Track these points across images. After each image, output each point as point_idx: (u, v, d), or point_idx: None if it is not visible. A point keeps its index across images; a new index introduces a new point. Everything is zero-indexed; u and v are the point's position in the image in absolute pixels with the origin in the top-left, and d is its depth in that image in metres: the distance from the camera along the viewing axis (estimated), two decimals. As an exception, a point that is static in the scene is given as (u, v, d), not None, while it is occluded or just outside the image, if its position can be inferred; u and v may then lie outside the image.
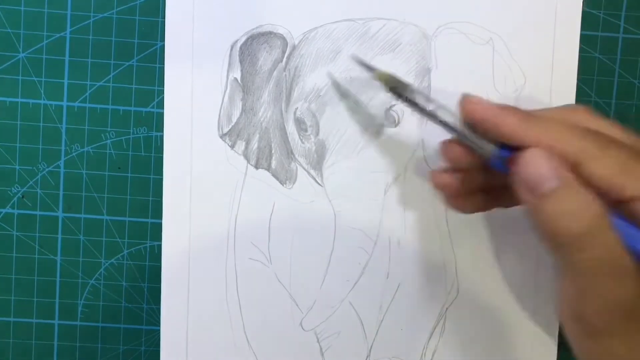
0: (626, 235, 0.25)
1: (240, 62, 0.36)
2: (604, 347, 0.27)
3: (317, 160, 0.36)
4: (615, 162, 0.26)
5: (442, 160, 0.31)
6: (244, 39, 0.36)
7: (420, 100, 0.30)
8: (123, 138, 0.37)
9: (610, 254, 0.25)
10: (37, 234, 0.37)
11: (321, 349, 0.37)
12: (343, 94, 0.35)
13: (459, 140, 0.30)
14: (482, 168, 0.30)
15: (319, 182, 0.36)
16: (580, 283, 0.26)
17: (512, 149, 0.28)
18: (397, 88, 0.31)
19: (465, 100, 0.29)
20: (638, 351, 0.26)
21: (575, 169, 0.26)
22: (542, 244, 0.27)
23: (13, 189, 0.37)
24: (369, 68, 0.33)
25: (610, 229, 0.25)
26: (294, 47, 0.36)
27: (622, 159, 0.26)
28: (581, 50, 0.36)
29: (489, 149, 0.28)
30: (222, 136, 0.36)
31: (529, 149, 0.27)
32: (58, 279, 0.37)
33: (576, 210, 0.25)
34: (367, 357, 0.37)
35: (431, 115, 0.30)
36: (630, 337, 0.26)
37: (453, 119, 0.29)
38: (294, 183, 0.36)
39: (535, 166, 0.26)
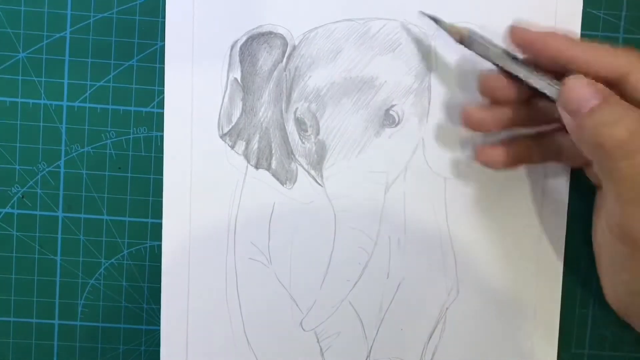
0: None
1: (241, 62, 0.36)
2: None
3: (318, 161, 0.36)
4: None
5: (480, 91, 0.33)
6: (244, 39, 0.36)
7: (485, 46, 0.32)
8: (123, 138, 0.37)
9: None
10: (37, 234, 0.37)
11: (321, 349, 0.37)
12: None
13: (504, 74, 0.32)
14: (523, 104, 0.32)
15: (319, 182, 0.36)
16: (627, 194, 0.27)
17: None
18: (465, 39, 0.32)
19: (513, 29, 0.31)
20: None
21: (623, 80, 0.28)
22: (592, 160, 0.29)
23: (13, 189, 0.37)
24: (436, 21, 0.34)
25: None
26: (294, 47, 0.36)
27: None
28: (581, 50, 0.36)
29: (548, 82, 0.30)
30: (222, 136, 0.36)
31: (570, 75, 0.29)
32: (58, 279, 0.37)
33: (618, 119, 0.27)
34: (367, 357, 0.37)
35: (501, 59, 0.32)
36: None
37: (514, 58, 0.31)
38: (294, 183, 0.36)
39: (577, 89, 0.28)
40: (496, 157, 0.33)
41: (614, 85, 0.29)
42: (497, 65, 0.32)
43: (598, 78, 0.29)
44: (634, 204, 0.27)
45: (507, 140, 0.34)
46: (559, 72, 0.30)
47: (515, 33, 0.31)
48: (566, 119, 0.29)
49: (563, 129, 0.30)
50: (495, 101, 0.33)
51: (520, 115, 0.33)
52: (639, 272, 0.29)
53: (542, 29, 0.31)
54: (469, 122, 0.33)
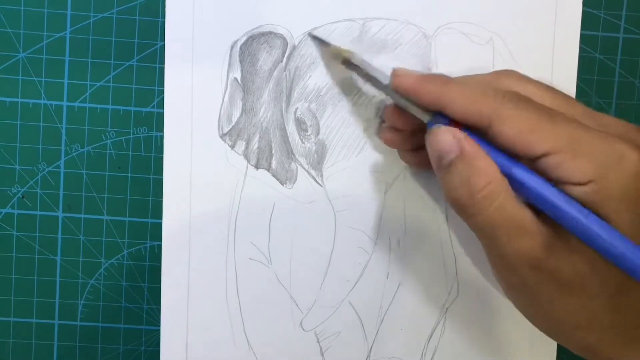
0: (537, 191, 0.27)
1: (241, 62, 0.36)
2: (523, 300, 0.29)
3: (318, 160, 0.36)
4: (525, 121, 0.27)
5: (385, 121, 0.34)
6: (244, 39, 0.36)
7: (367, 70, 0.32)
8: (123, 138, 0.37)
9: (502, 214, 0.27)
10: (37, 234, 0.37)
11: (321, 349, 0.37)
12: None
13: (400, 107, 0.32)
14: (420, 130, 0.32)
15: (319, 182, 0.36)
16: (484, 244, 0.29)
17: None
18: (348, 59, 0.33)
19: (392, 74, 0.31)
20: (554, 299, 0.27)
21: (489, 130, 0.28)
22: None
23: (13, 189, 0.37)
24: (324, 43, 0.34)
25: (502, 192, 0.27)
26: (294, 47, 0.36)
27: (534, 118, 0.27)
28: (581, 50, 0.36)
29: (426, 117, 0.30)
30: (222, 136, 0.36)
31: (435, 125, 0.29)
32: (58, 279, 0.37)
33: (466, 179, 0.27)
34: (367, 357, 0.37)
35: (375, 83, 0.32)
36: (542, 287, 0.27)
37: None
38: (294, 183, 0.36)
39: (439, 141, 0.29)
40: (392, 141, 0.34)
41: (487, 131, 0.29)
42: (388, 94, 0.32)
43: (467, 122, 0.28)
44: (491, 252, 0.29)
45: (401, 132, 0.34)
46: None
47: (393, 80, 0.31)
48: (433, 166, 0.30)
49: None
50: (395, 128, 0.34)
51: (419, 140, 0.33)
52: (517, 303, 0.30)
53: (421, 73, 0.30)
54: (383, 139, 0.35)
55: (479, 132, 0.28)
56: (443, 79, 0.30)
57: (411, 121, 0.32)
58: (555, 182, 0.27)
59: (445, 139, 0.28)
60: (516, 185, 0.27)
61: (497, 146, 0.28)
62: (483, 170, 0.27)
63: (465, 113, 0.28)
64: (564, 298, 0.27)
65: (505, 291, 0.30)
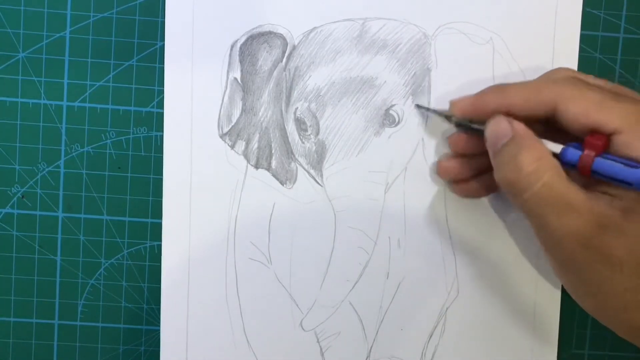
0: (607, 169, 0.27)
1: (240, 62, 0.36)
2: (572, 279, 0.29)
3: (317, 160, 0.36)
4: (591, 101, 0.28)
5: (450, 149, 0.35)
6: (244, 39, 0.36)
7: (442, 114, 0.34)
8: (123, 138, 0.37)
9: (551, 191, 0.27)
10: (37, 234, 0.37)
11: (321, 349, 0.37)
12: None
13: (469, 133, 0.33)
14: (483, 153, 0.32)
15: (319, 182, 0.36)
16: (533, 223, 0.29)
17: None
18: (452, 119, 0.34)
19: (450, 104, 0.33)
20: (604, 278, 0.27)
21: (554, 113, 0.29)
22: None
23: (13, 189, 0.37)
24: (436, 113, 0.35)
25: (550, 169, 0.28)
26: (294, 47, 0.36)
27: (599, 97, 0.28)
28: (581, 50, 0.36)
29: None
30: (222, 136, 0.36)
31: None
32: (58, 279, 0.37)
33: (514, 156, 0.28)
34: (367, 357, 0.37)
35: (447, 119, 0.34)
36: (592, 266, 0.27)
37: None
38: (294, 183, 0.36)
39: (493, 128, 0.30)
40: (451, 170, 0.35)
41: (551, 120, 0.30)
42: (458, 125, 0.33)
43: (533, 115, 0.30)
44: (540, 231, 0.29)
45: (464, 158, 0.35)
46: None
47: (454, 106, 0.33)
48: (491, 157, 0.31)
49: None
50: (461, 154, 0.35)
51: (481, 163, 0.34)
52: (565, 280, 0.30)
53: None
54: (441, 172, 0.35)
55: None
56: (498, 86, 0.32)
57: (475, 144, 0.33)
58: (624, 163, 0.27)
59: (500, 125, 0.30)
60: (573, 163, 0.28)
61: (563, 131, 0.29)
62: (531, 147, 0.28)
63: (529, 104, 0.29)
64: (614, 278, 0.27)
65: (555, 270, 0.30)
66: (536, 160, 0.28)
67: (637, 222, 0.27)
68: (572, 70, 0.32)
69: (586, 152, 0.28)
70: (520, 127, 0.29)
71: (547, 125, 0.31)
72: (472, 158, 0.34)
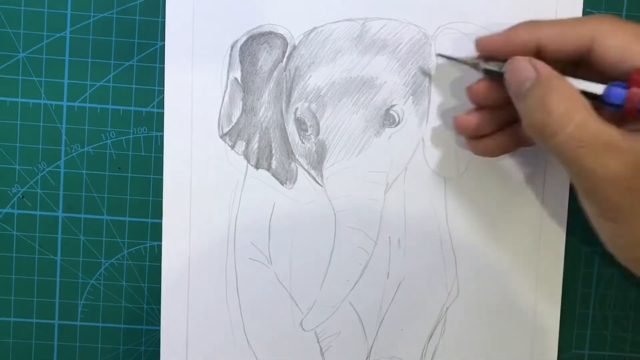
0: None
1: (241, 62, 0.36)
2: (612, 228, 0.27)
3: (318, 160, 0.36)
4: (630, 34, 0.27)
5: (470, 100, 0.33)
6: (244, 39, 0.36)
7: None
8: (123, 138, 0.37)
9: (585, 131, 0.26)
10: (37, 234, 0.37)
11: (321, 349, 0.37)
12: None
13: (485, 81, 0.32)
14: (505, 104, 0.31)
15: (319, 182, 0.36)
16: (569, 169, 0.27)
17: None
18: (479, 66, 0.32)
19: (476, 43, 0.31)
20: None
21: (589, 48, 0.27)
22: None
23: (13, 189, 0.37)
24: (455, 60, 0.34)
25: (582, 109, 0.26)
26: (294, 47, 0.36)
27: (637, 31, 0.27)
28: (581, 50, 0.36)
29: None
30: (222, 136, 0.36)
31: (512, 57, 0.29)
32: (58, 279, 0.37)
33: (541, 99, 0.27)
34: (367, 357, 0.37)
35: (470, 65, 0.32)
36: (637, 210, 0.26)
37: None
38: (294, 183, 0.36)
39: (514, 71, 0.28)
40: (469, 123, 0.33)
41: (585, 57, 0.28)
42: (478, 69, 0.32)
43: (566, 52, 0.28)
44: (578, 175, 0.27)
45: (484, 111, 0.33)
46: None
47: (481, 42, 0.31)
48: (513, 100, 0.29)
49: None
50: (481, 106, 0.33)
51: (503, 116, 0.33)
52: (607, 227, 0.28)
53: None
54: (459, 127, 0.33)
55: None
56: (530, 21, 0.30)
57: (498, 92, 0.31)
58: None
59: (523, 66, 0.28)
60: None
61: (599, 69, 0.27)
62: (559, 87, 0.27)
63: (563, 38, 0.28)
64: None
65: (593, 219, 0.28)
66: (565, 101, 0.26)
67: None
68: (607, 15, 0.31)
69: (633, 89, 0.26)
70: (543, 66, 0.28)
71: (577, 68, 0.29)
72: (493, 110, 0.32)
